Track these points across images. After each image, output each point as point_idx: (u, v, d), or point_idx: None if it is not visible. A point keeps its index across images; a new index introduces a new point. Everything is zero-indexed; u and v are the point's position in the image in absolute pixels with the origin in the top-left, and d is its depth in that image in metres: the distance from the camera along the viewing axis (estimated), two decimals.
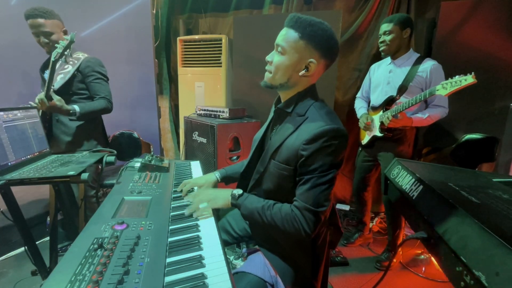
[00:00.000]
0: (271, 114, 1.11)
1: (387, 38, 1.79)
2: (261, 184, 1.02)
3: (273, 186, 0.98)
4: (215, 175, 1.24)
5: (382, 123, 1.80)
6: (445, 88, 1.46)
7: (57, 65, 1.70)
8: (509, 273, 0.40)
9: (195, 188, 1.18)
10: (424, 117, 1.73)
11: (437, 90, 1.50)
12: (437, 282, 1.84)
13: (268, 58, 0.95)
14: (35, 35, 1.64)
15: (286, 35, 0.90)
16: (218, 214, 1.26)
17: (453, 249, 0.51)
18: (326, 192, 0.87)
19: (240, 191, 1.01)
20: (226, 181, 1.26)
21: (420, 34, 2.37)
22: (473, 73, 1.38)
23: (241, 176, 1.17)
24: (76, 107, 1.63)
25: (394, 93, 1.81)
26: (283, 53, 0.91)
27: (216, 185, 1.24)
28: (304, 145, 0.87)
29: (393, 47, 1.80)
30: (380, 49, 1.87)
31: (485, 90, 2.07)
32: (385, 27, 1.80)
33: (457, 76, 1.43)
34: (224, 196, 1.01)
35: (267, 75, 0.97)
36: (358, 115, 2.08)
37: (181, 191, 1.15)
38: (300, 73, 0.92)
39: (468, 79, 1.39)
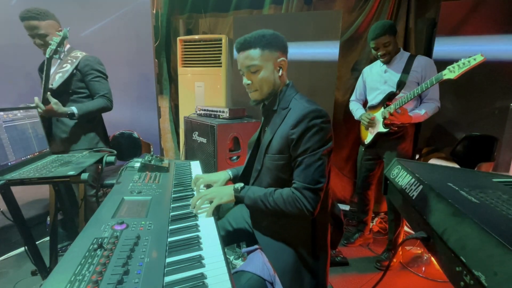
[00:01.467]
0: (262, 119, 1.18)
1: (389, 48, 1.82)
2: (260, 181, 1.07)
3: (271, 180, 1.03)
4: (228, 173, 1.27)
5: (385, 118, 1.81)
6: (453, 71, 1.46)
7: (56, 65, 1.71)
8: (508, 273, 0.40)
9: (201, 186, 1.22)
10: (421, 113, 1.77)
11: (444, 75, 1.50)
12: (437, 282, 1.84)
13: (246, 82, 1.04)
14: (31, 36, 1.64)
15: (250, 55, 1.00)
16: (218, 214, 1.26)
17: (452, 249, 0.51)
18: (320, 168, 0.93)
19: (241, 185, 1.06)
20: (236, 180, 1.27)
21: (420, 34, 2.37)
22: (480, 53, 1.39)
23: (240, 178, 1.21)
24: (74, 109, 1.63)
25: (394, 90, 1.84)
26: (258, 69, 1.01)
27: (227, 182, 1.26)
28: (291, 130, 0.95)
29: (393, 53, 1.86)
30: (383, 59, 1.88)
31: (485, 90, 2.07)
32: (382, 40, 1.79)
33: (462, 59, 1.43)
34: (227, 192, 1.05)
35: (255, 94, 1.06)
36: (357, 116, 2.08)
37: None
38: (279, 74, 1.04)
39: (478, 58, 1.40)
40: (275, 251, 1.00)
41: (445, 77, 1.49)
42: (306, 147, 0.93)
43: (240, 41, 1.01)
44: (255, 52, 0.99)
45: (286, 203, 0.95)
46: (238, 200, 1.04)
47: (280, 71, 1.04)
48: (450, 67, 1.47)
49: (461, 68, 1.43)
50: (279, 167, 1.01)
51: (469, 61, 1.41)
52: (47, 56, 1.45)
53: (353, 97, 2.20)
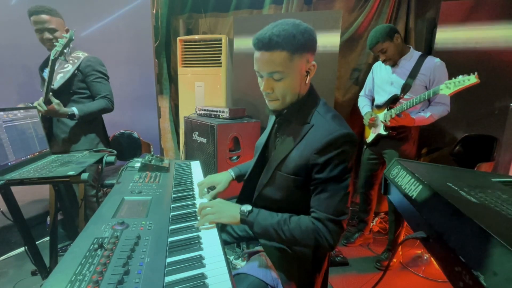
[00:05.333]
0: (271, 120, 1.09)
1: (388, 54, 1.78)
2: (266, 196, 0.99)
3: (280, 198, 0.96)
4: (230, 173, 1.22)
5: (386, 121, 1.80)
6: (449, 87, 1.48)
7: (57, 64, 1.70)
8: (508, 273, 0.40)
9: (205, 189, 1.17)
10: (426, 117, 1.74)
11: (441, 89, 1.51)
12: (437, 282, 1.84)
13: (266, 90, 0.88)
14: (39, 31, 1.61)
15: (275, 60, 0.82)
16: None
17: (451, 249, 0.51)
18: (345, 198, 0.84)
19: (249, 207, 0.93)
20: (239, 179, 1.23)
21: (420, 34, 2.37)
22: (476, 73, 1.40)
23: (245, 183, 1.15)
24: (75, 110, 1.63)
25: (398, 92, 1.82)
26: (283, 77, 0.85)
27: (230, 183, 1.21)
28: (315, 154, 0.84)
29: (396, 56, 1.80)
30: (386, 64, 1.86)
31: (485, 90, 2.07)
32: (377, 48, 1.78)
33: (460, 76, 1.45)
34: (231, 213, 0.93)
35: (275, 103, 0.91)
36: (362, 113, 2.08)
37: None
38: (306, 81, 0.89)
39: (471, 79, 1.41)
40: (278, 256, 0.98)
41: (441, 92, 1.52)
42: (332, 175, 0.83)
43: (262, 39, 0.80)
44: (282, 56, 0.81)
45: (303, 234, 0.84)
46: (245, 224, 0.92)
47: (307, 77, 0.89)
48: (447, 82, 1.49)
49: (457, 86, 1.46)
50: (291, 187, 0.91)
51: (463, 81, 1.44)
52: (52, 57, 1.45)
53: (362, 93, 2.18)
